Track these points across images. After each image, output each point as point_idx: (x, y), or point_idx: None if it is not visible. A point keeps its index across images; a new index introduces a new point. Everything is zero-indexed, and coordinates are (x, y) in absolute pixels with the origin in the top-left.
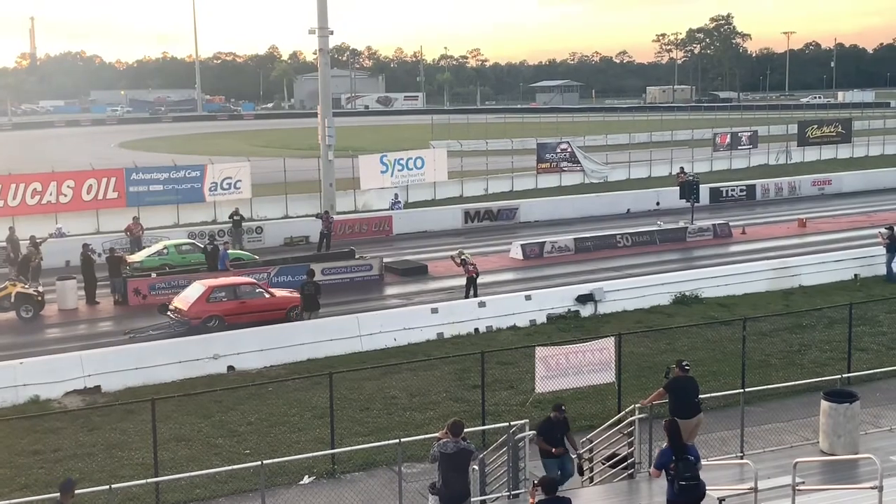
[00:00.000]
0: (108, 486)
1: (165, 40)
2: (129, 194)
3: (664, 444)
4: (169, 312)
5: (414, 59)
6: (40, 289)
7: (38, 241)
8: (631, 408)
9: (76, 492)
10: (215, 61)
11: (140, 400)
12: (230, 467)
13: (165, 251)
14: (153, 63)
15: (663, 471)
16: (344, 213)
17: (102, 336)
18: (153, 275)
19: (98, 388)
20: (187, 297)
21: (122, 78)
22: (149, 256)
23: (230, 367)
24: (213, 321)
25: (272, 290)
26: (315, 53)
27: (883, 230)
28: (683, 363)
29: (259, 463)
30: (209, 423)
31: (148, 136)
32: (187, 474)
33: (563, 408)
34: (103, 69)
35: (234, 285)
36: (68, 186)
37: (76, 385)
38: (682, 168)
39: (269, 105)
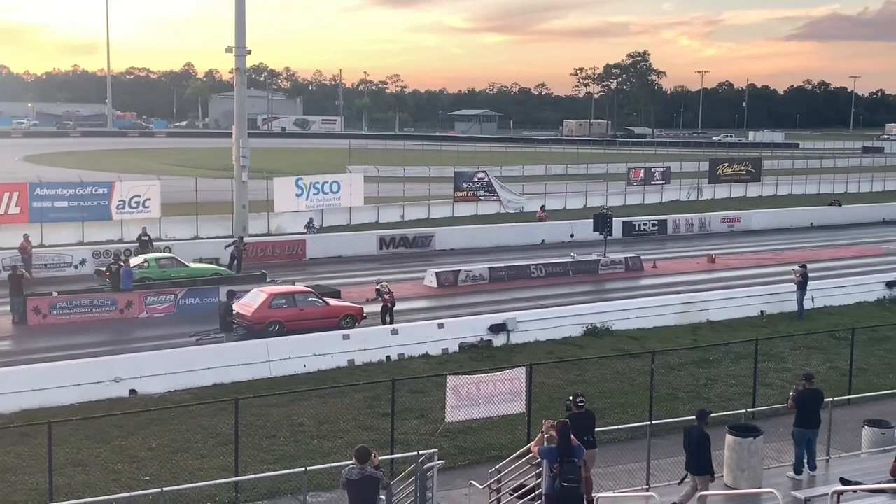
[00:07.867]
0: None
1: (77, 52)
2: (33, 210)
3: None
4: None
5: (333, 82)
6: None
7: None
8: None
9: None
10: (128, 76)
11: (36, 423)
12: (128, 494)
13: (146, 265)
14: (63, 76)
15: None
16: (257, 235)
17: None
18: (54, 293)
19: None
20: (249, 302)
21: (30, 90)
22: None
23: (132, 391)
24: (273, 326)
25: (326, 299)
26: (231, 72)
27: (797, 267)
28: (578, 399)
29: (159, 490)
30: (108, 449)
31: (54, 150)
32: (84, 500)
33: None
34: (10, 80)
35: (292, 293)
36: None
37: None
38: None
39: (183, 123)
